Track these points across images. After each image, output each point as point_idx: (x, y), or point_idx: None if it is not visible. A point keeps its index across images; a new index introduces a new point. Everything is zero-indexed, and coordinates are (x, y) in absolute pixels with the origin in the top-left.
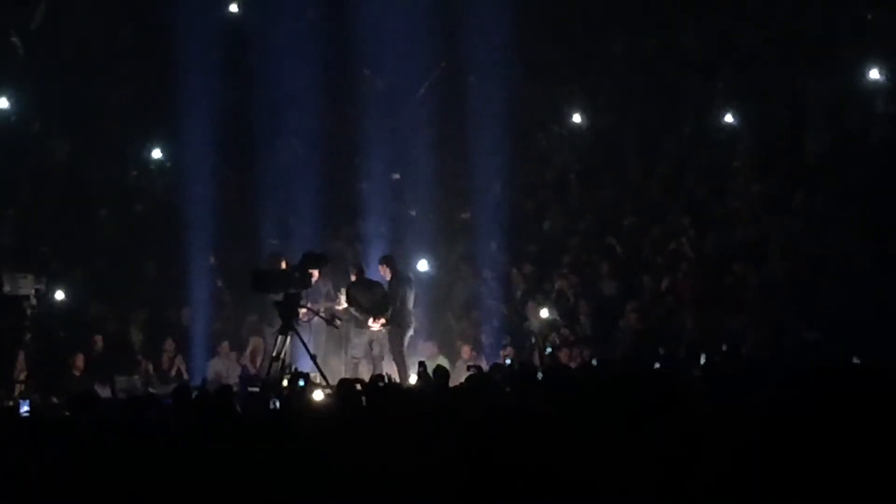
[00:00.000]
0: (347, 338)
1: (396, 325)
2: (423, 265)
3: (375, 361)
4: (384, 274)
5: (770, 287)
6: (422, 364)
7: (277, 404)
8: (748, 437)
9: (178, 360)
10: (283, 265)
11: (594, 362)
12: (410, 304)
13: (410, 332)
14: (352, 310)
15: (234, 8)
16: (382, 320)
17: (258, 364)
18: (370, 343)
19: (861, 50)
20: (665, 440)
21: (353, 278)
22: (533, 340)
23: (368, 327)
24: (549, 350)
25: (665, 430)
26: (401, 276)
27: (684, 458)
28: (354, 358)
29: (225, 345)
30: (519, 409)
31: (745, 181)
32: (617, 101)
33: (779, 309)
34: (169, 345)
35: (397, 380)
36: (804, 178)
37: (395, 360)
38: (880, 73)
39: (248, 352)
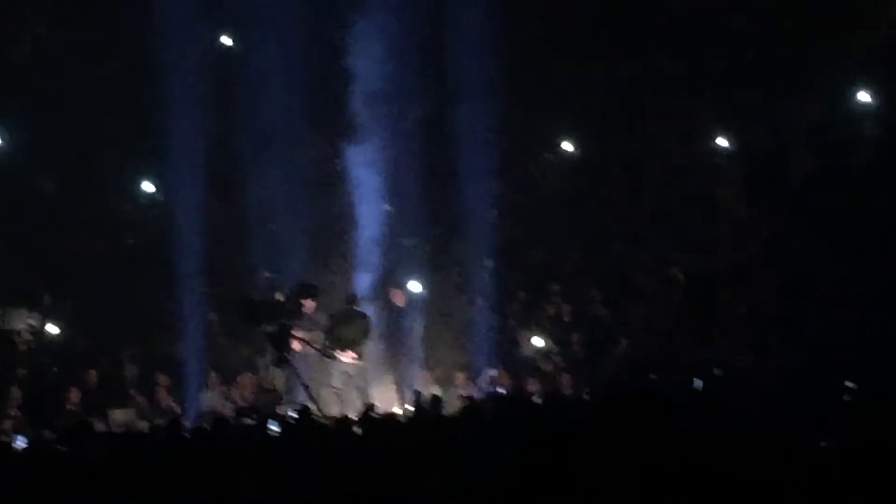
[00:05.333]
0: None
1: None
2: (415, 286)
3: (360, 392)
4: (398, 301)
5: (756, 311)
6: (417, 393)
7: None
8: (741, 460)
9: (170, 394)
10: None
11: (587, 390)
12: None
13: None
14: (325, 340)
15: (225, 40)
16: (351, 353)
17: (248, 397)
18: (347, 374)
19: (847, 72)
20: (660, 465)
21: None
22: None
23: (337, 360)
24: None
25: (659, 454)
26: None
27: (679, 482)
28: (335, 388)
29: (215, 377)
30: (513, 439)
31: (731, 206)
32: (599, 129)
33: (765, 333)
34: (161, 378)
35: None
36: (789, 203)
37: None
38: (867, 94)
39: (238, 386)
